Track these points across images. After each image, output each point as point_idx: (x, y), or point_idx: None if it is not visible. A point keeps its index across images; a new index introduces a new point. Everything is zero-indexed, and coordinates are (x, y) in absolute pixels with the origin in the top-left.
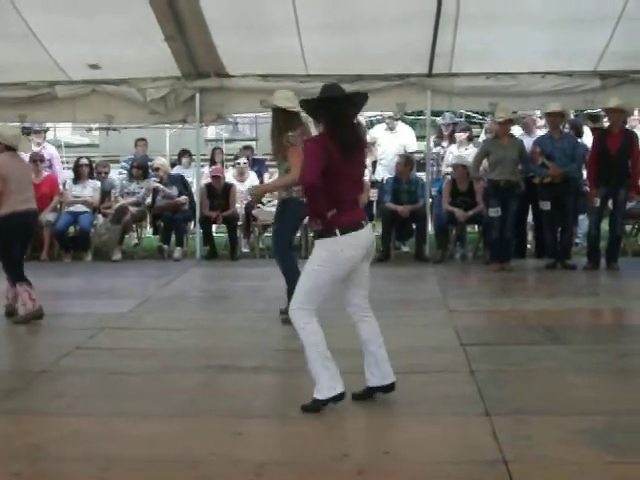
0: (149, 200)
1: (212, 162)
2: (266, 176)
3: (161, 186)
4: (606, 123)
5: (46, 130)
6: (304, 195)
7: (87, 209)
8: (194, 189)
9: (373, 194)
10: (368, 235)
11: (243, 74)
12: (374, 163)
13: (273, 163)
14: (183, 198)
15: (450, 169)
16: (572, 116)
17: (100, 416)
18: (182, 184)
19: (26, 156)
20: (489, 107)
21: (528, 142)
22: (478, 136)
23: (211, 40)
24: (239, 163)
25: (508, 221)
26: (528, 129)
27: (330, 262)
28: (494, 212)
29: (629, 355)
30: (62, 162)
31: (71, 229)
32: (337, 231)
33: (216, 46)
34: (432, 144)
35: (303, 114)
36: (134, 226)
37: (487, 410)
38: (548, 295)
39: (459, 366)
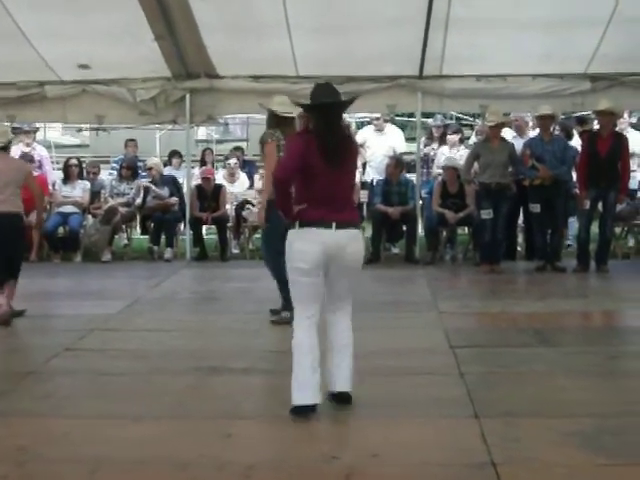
0: (139, 201)
1: (202, 163)
2: (256, 177)
3: (152, 186)
4: (596, 126)
5: (36, 130)
6: (273, 188)
7: (77, 210)
8: (184, 190)
9: (363, 196)
10: (335, 236)
11: (234, 75)
12: (364, 165)
13: (263, 164)
14: (173, 199)
15: (441, 171)
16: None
17: (89, 417)
18: (174, 185)
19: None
20: (479, 109)
21: (521, 144)
22: (469, 138)
23: (201, 40)
24: (229, 164)
25: (499, 223)
26: (521, 131)
27: (288, 256)
28: (486, 214)
29: (619, 357)
30: (52, 162)
31: (60, 230)
32: (297, 224)
33: (206, 47)
34: (422, 145)
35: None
36: (124, 227)
37: (476, 412)
38: (538, 297)
39: (449, 368)
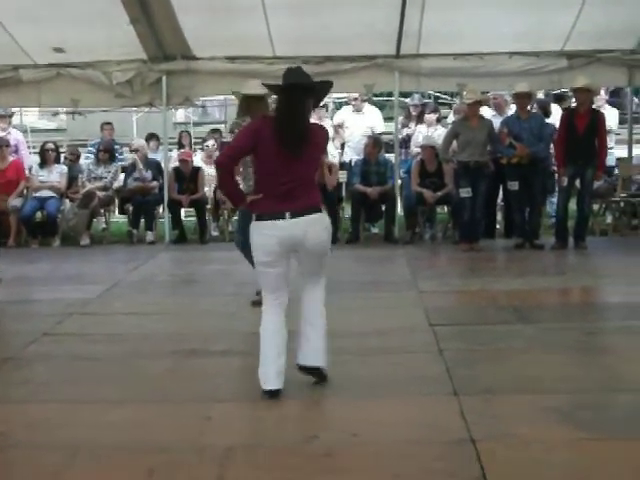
0: (117, 184)
1: (180, 145)
2: None
3: (140, 164)
4: (573, 104)
5: (11, 115)
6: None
7: (54, 194)
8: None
9: (342, 176)
10: (290, 226)
11: (210, 56)
12: (342, 145)
13: None
14: (155, 183)
15: (419, 150)
16: (541, 96)
17: (68, 402)
18: (157, 170)
19: None
20: (457, 88)
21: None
22: (447, 117)
23: (177, 22)
24: (207, 146)
25: (478, 202)
26: (500, 109)
27: (252, 248)
28: (465, 192)
29: (596, 333)
30: (29, 147)
31: (38, 214)
32: (254, 216)
33: (182, 28)
34: (400, 125)
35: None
36: (102, 211)
37: (455, 390)
38: (517, 275)
39: (428, 346)
